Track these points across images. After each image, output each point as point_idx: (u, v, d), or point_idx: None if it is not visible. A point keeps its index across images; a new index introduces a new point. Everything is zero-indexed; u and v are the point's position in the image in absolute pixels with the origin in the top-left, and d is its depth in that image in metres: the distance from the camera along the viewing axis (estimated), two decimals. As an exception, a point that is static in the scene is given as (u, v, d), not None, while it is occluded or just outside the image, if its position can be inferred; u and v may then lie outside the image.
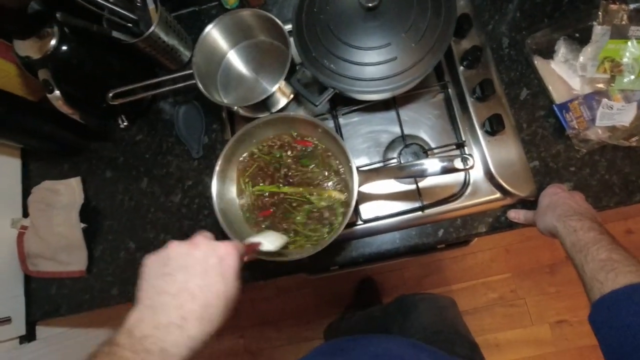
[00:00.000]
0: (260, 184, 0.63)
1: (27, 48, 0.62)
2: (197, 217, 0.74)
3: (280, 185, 0.62)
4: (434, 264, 1.45)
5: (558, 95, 0.64)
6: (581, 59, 0.62)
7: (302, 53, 0.60)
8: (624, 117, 0.59)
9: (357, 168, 0.55)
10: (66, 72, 0.62)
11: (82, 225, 0.75)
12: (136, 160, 0.78)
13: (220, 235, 0.49)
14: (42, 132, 0.74)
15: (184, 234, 0.73)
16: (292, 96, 0.71)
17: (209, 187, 0.67)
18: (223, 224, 0.57)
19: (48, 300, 0.76)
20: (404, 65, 0.56)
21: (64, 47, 0.61)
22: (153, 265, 0.37)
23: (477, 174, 0.64)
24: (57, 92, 0.60)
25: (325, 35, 0.58)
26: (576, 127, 0.61)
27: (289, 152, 0.63)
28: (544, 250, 1.37)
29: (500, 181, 0.61)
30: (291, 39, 0.63)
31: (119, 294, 0.74)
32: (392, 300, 0.84)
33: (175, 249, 0.37)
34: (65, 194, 0.78)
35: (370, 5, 0.55)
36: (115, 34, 0.65)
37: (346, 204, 0.58)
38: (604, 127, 0.60)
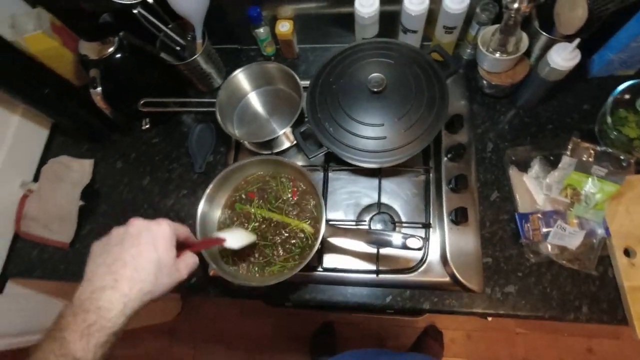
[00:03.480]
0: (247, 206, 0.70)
1: (87, 48, 0.73)
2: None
3: (263, 208, 0.69)
4: (395, 329, 1.46)
5: (523, 205, 0.71)
6: (548, 179, 0.70)
7: (309, 111, 0.70)
8: (573, 240, 0.66)
9: (328, 221, 0.62)
10: (112, 76, 0.73)
11: (81, 202, 0.82)
12: (146, 159, 0.87)
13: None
14: (75, 115, 0.84)
15: (166, 236, 0.80)
16: (294, 142, 0.80)
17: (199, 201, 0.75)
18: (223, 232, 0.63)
19: (27, 261, 0.82)
20: (392, 145, 0.65)
21: (118, 56, 0.72)
22: (96, 247, 0.45)
23: (434, 255, 0.71)
24: (99, 89, 0.70)
25: (332, 102, 0.68)
26: (531, 237, 0.68)
27: (280, 190, 0.70)
28: (504, 345, 1.38)
29: (452, 267, 0.67)
30: (304, 94, 0.73)
31: (91, 273, 0.80)
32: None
33: (114, 230, 0.45)
34: (76, 171, 0.87)
35: (375, 90, 0.65)
36: (163, 55, 0.76)
37: (310, 245, 0.65)
38: (554, 244, 0.67)
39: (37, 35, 0.80)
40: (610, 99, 0.67)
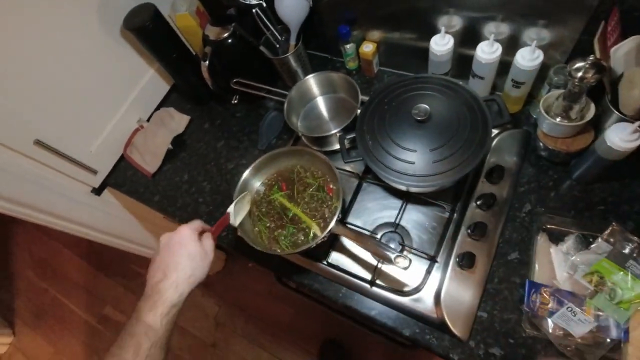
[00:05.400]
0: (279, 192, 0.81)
1: (210, 30, 0.93)
2: (232, 186, 0.96)
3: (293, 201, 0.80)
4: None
5: (540, 275, 0.68)
6: (577, 258, 0.66)
7: (359, 122, 0.78)
8: (579, 328, 0.61)
9: (340, 220, 0.70)
10: (220, 55, 0.91)
11: (170, 146, 1.04)
12: (226, 127, 1.05)
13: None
14: (189, 79, 1.06)
15: (218, 191, 0.96)
16: (342, 147, 0.89)
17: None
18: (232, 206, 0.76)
19: (122, 177, 1.07)
20: (417, 172, 0.69)
21: (229, 41, 0.90)
22: (151, 264, 0.60)
23: (430, 289, 0.72)
24: (207, 63, 0.89)
25: (379, 120, 0.75)
26: (535, 309, 0.65)
27: (313, 187, 0.80)
28: None
29: (442, 307, 0.68)
30: (360, 107, 0.81)
31: (158, 201, 1.00)
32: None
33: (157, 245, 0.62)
34: (176, 122, 1.09)
35: (418, 118, 0.70)
36: (262, 48, 0.93)
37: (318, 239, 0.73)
38: (558, 325, 0.63)
39: (184, 15, 1.04)
40: (674, 197, 0.61)
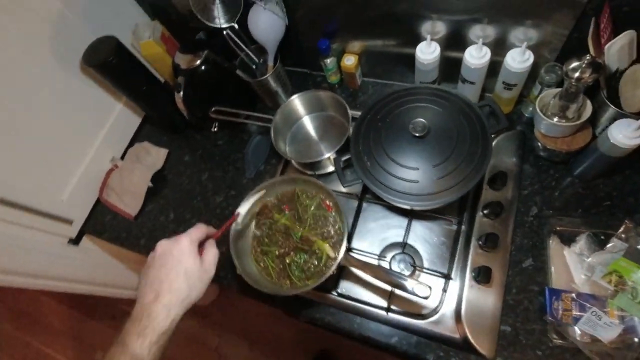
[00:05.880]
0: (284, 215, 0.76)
1: (180, 59, 0.87)
2: (223, 220, 0.90)
3: (297, 225, 0.75)
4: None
5: (557, 281, 0.67)
6: (592, 259, 0.65)
7: (353, 142, 0.74)
8: (607, 333, 0.60)
9: (348, 249, 0.66)
10: (194, 84, 0.85)
11: (150, 184, 0.97)
12: (208, 157, 0.99)
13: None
14: (163, 110, 0.99)
15: (209, 228, 0.90)
16: (337, 168, 0.85)
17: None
18: (233, 250, 0.71)
19: (101, 223, 0.99)
20: (422, 190, 0.66)
21: (202, 68, 0.84)
22: (142, 274, 0.54)
23: (448, 308, 0.69)
24: (181, 94, 0.83)
25: (375, 138, 0.71)
26: (559, 318, 0.63)
27: (312, 207, 0.76)
28: None
29: (465, 326, 0.66)
30: (352, 125, 0.78)
31: (144, 245, 0.93)
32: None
33: (149, 256, 0.56)
34: (153, 157, 1.02)
35: (416, 134, 0.67)
36: (239, 72, 0.88)
37: (330, 265, 0.68)
38: (584, 332, 0.61)
39: (149, 43, 0.97)
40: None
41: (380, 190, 0.69)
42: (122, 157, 1.05)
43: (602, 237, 0.67)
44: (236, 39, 0.85)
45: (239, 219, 0.67)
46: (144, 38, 0.97)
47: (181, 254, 0.53)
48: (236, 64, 0.90)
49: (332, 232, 0.72)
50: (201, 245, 0.57)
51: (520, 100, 0.81)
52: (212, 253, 0.56)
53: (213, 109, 0.89)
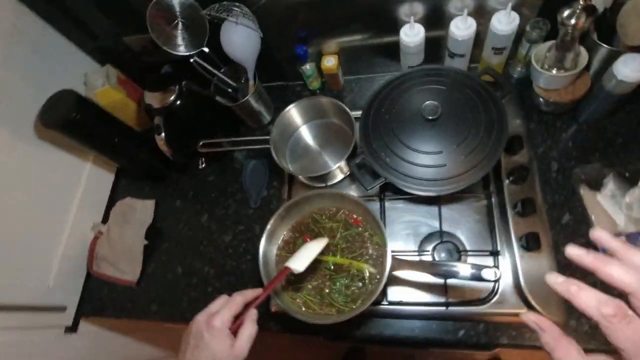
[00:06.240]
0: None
1: (151, 97, 0.79)
2: (240, 259, 0.82)
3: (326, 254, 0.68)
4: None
5: (601, 227, 0.66)
6: (627, 199, 0.65)
7: (364, 142, 0.70)
8: (667, 265, 0.59)
9: (392, 253, 0.61)
10: (173, 121, 0.77)
11: (145, 242, 0.86)
12: (203, 197, 0.91)
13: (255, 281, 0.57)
14: (138, 158, 0.90)
15: (225, 272, 0.82)
16: (347, 173, 0.80)
17: (257, 235, 0.76)
18: (263, 274, 0.65)
19: (98, 299, 0.87)
20: (451, 173, 0.63)
21: (178, 103, 0.77)
22: (182, 349, 0.52)
23: (506, 284, 0.66)
24: (163, 135, 0.75)
25: (387, 132, 0.68)
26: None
27: (340, 227, 0.70)
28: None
29: (529, 297, 0.63)
30: (357, 125, 0.74)
31: (157, 310, 0.82)
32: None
33: (186, 330, 0.54)
34: (140, 212, 0.91)
35: (430, 117, 0.64)
36: (218, 98, 0.81)
37: (377, 280, 0.63)
38: (644, 270, 0.61)
39: (105, 90, 0.88)
40: (691, 108, 0.62)
41: (407, 183, 0.65)
42: (105, 221, 0.93)
43: (627, 175, 0.68)
44: (205, 65, 0.78)
45: (293, 268, 0.58)
46: (98, 87, 0.88)
47: (211, 337, 0.50)
48: (211, 91, 0.83)
49: (370, 248, 0.67)
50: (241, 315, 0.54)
51: (506, 64, 0.82)
52: (247, 333, 0.52)
53: (201, 142, 0.81)
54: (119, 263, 0.87)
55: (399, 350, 1.40)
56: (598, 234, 0.34)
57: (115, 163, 0.94)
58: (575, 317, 0.62)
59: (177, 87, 0.77)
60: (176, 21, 0.70)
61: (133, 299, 0.85)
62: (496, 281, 0.54)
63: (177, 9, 0.69)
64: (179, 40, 0.72)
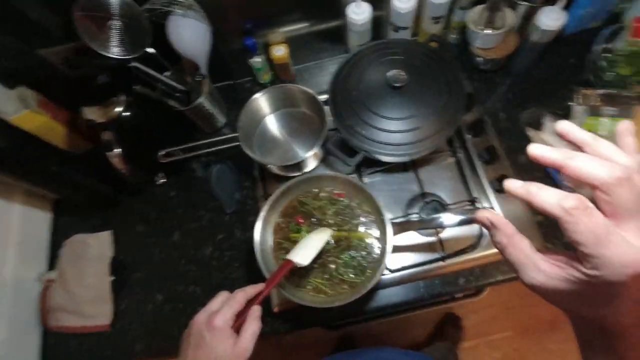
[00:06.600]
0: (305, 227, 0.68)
1: (91, 113, 0.69)
2: (227, 269, 0.77)
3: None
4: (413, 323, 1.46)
5: (550, 160, 0.76)
6: (566, 131, 0.75)
7: (338, 121, 0.70)
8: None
9: (390, 220, 0.62)
10: (125, 134, 0.69)
11: (111, 277, 0.76)
12: (169, 214, 0.82)
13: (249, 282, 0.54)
14: (84, 184, 0.78)
15: (214, 286, 0.75)
16: (321, 159, 0.80)
17: (241, 240, 0.72)
18: (262, 265, 0.61)
19: (66, 356, 0.74)
20: (426, 134, 0.67)
21: (128, 113, 0.69)
22: (182, 350, 0.50)
23: (490, 227, 0.72)
24: (117, 151, 0.66)
25: (358, 107, 0.69)
26: (569, 184, 0.72)
27: (328, 204, 0.69)
28: (543, 306, 1.42)
29: (512, 233, 0.69)
30: (326, 109, 0.74)
31: (143, 349, 0.73)
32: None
33: (185, 331, 0.51)
34: (95, 247, 0.80)
35: (398, 85, 0.67)
36: (171, 102, 0.74)
37: (380, 247, 0.64)
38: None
39: (24, 115, 0.75)
40: (598, 47, 0.75)
41: (386, 151, 0.67)
42: (52, 268, 0.80)
43: (559, 112, 0.79)
44: (147, 70, 0.71)
45: (296, 262, 0.56)
46: (12, 114, 0.75)
47: (212, 337, 0.48)
48: (160, 96, 0.76)
49: (362, 216, 0.68)
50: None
51: (441, 33, 0.89)
52: (250, 331, 0.49)
53: (163, 152, 0.74)
54: (84, 309, 0.75)
55: (385, 327, 1.44)
56: (563, 126, 0.31)
57: (56, 194, 0.80)
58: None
59: (124, 96, 0.69)
60: (111, 21, 0.62)
61: (111, 345, 0.74)
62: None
63: (110, 6, 0.62)
64: (117, 42, 0.65)
